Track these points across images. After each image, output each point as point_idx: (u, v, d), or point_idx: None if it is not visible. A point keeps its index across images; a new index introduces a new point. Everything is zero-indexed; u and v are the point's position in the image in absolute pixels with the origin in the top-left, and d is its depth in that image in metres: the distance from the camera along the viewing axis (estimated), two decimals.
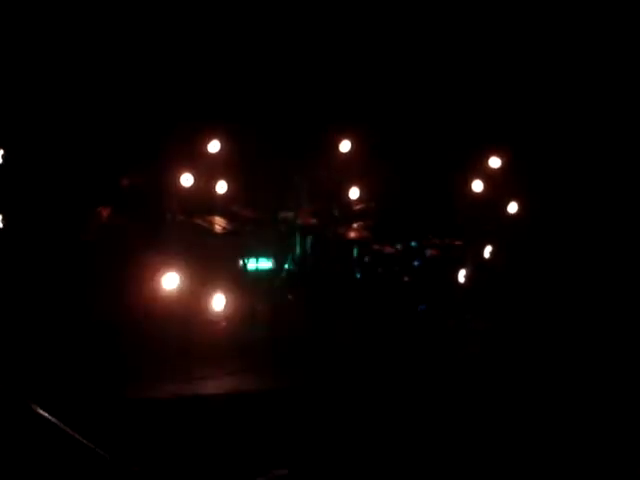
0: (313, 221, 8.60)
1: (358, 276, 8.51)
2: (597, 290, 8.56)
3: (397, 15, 9.05)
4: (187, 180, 8.25)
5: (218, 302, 7.65)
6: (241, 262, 7.99)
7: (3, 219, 8.02)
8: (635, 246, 8.89)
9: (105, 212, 8.01)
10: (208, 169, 8.38)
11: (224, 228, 8.14)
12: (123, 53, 8.49)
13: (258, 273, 8.19)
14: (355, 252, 8.54)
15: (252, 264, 8.17)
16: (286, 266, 8.30)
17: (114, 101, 8.43)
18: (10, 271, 7.68)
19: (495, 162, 9.02)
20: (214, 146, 8.43)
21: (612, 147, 9.13)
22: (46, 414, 4.17)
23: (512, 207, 9.02)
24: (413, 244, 8.67)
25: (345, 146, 8.87)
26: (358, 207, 8.89)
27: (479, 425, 6.36)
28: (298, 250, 8.42)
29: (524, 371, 7.14)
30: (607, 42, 9.05)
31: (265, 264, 8.25)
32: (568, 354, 7.50)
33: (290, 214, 8.57)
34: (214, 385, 6.72)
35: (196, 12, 8.69)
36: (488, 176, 9.01)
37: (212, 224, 8.19)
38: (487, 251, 8.85)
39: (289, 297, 8.15)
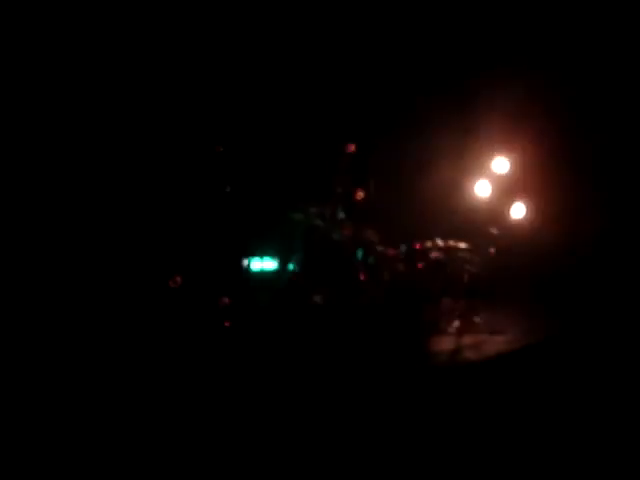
0: (319, 222, 8.65)
1: (362, 278, 8.55)
2: (601, 290, 8.58)
3: (399, 18, 9.12)
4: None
5: (224, 303, 7.74)
6: (245, 262, 8.06)
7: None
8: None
9: None
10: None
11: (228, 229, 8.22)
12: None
13: (263, 274, 8.25)
14: (359, 254, 8.58)
15: (257, 264, 8.24)
16: (290, 267, 8.36)
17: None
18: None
19: (500, 165, 9.05)
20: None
21: (614, 149, 9.16)
22: None
23: (517, 210, 9.05)
24: (417, 246, 8.71)
25: (352, 148, 8.92)
26: (363, 209, 8.93)
27: (479, 425, 6.39)
28: (303, 251, 8.47)
29: (526, 371, 7.16)
30: (607, 44, 9.08)
31: (270, 264, 8.31)
32: (571, 354, 7.52)
33: (297, 215, 8.63)
34: None
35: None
36: (493, 179, 9.04)
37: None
38: (492, 253, 8.88)
39: (290, 298, 8.21)
